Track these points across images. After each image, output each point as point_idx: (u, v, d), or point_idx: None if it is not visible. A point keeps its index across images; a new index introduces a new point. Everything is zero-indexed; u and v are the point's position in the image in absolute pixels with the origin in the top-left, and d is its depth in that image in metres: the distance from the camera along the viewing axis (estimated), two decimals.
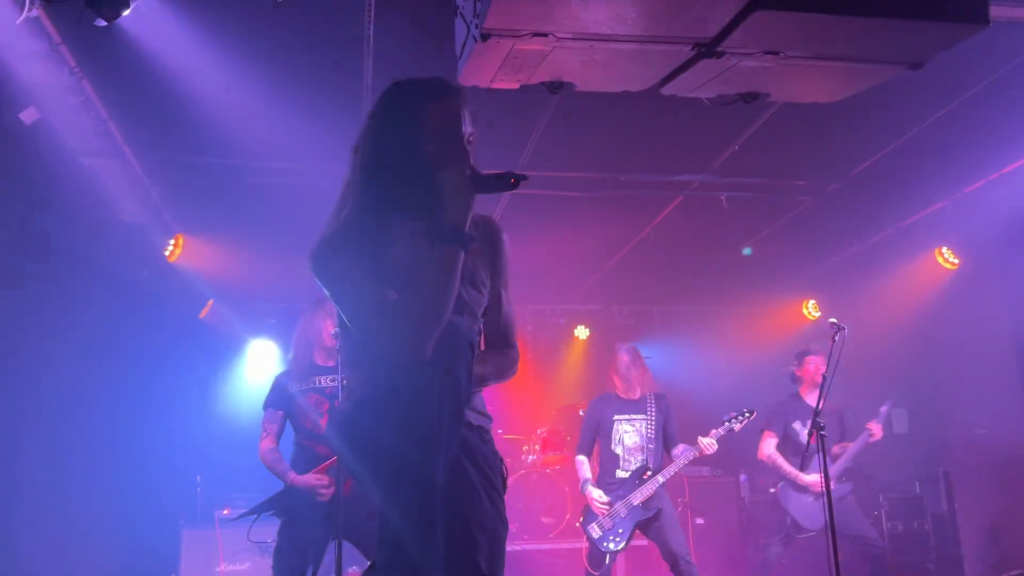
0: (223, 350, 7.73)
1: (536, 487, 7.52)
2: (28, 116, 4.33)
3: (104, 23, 3.34)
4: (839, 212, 6.67)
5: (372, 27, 4.08)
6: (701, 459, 5.41)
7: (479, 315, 2.15)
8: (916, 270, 7.24)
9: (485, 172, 1.92)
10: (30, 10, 3.49)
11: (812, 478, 5.49)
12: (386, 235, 1.98)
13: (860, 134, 5.44)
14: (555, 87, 3.25)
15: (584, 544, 5.54)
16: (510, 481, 4.15)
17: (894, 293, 7.43)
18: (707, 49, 3.00)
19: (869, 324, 6.52)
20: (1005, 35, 4.05)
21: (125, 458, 6.80)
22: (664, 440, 5.49)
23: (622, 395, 5.56)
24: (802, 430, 5.67)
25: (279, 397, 4.45)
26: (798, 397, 5.91)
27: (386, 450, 1.80)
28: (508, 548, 2.09)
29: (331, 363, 4.40)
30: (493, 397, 2.28)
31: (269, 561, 4.21)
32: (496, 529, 2.03)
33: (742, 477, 7.74)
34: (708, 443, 5.25)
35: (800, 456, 5.57)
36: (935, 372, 5.74)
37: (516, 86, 3.25)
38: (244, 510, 4.37)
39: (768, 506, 6.16)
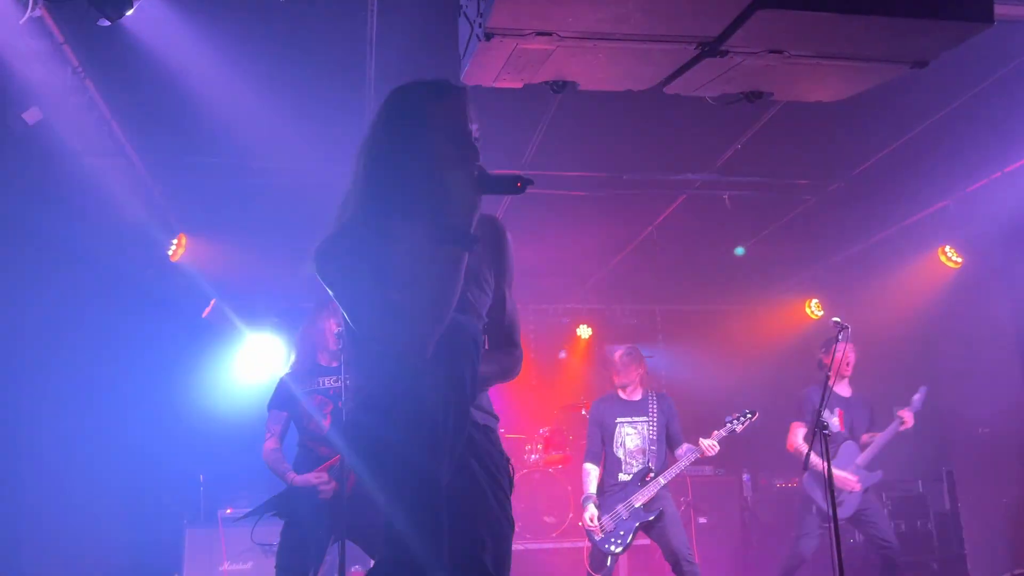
0: (225, 349, 7.72)
1: (539, 486, 7.53)
2: (31, 116, 4.34)
3: (107, 23, 3.34)
4: (842, 211, 6.67)
5: (375, 27, 4.09)
6: (703, 459, 5.41)
7: (483, 315, 2.15)
8: (919, 269, 7.23)
9: (492, 173, 1.92)
10: (33, 10, 3.50)
11: (840, 475, 5.43)
12: (390, 235, 1.97)
13: (863, 133, 5.43)
14: (558, 86, 3.25)
15: (586, 545, 5.54)
16: None
17: (897, 292, 7.42)
18: (710, 48, 3.00)
19: (872, 323, 6.51)
20: (1008, 34, 4.04)
21: (128, 457, 6.80)
22: (667, 440, 5.48)
23: (623, 396, 5.54)
24: (829, 418, 5.67)
25: (283, 398, 4.45)
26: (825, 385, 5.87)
27: (390, 450, 1.80)
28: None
29: (334, 364, 4.40)
30: (495, 397, 2.27)
31: (272, 560, 4.21)
32: (502, 529, 2.03)
33: (745, 476, 7.73)
34: (709, 444, 5.24)
35: (828, 445, 5.57)
36: (938, 371, 5.74)
37: (519, 85, 3.25)
38: (247, 509, 4.37)
39: (797, 497, 6.12)
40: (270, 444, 4.38)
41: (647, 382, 5.65)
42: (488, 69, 3.11)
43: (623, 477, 5.38)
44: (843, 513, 5.49)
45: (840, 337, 4.70)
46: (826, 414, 5.66)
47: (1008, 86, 4.77)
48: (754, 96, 3.38)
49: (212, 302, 7.52)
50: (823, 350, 5.75)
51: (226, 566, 6.15)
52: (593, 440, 5.56)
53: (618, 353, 5.60)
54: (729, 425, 5.38)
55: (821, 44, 3.00)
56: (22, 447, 5.86)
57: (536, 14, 2.77)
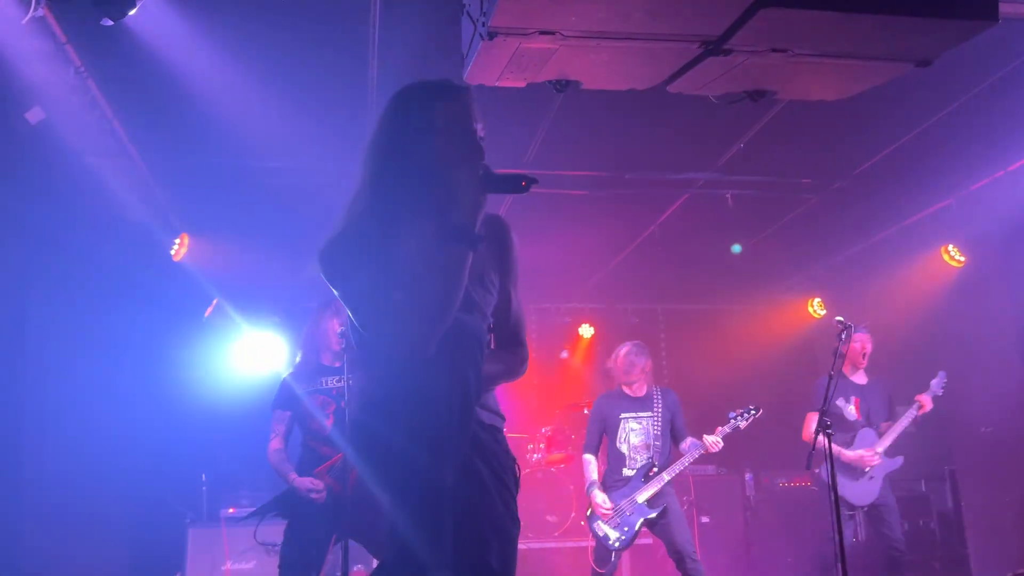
0: (228, 349, 7.72)
1: (541, 485, 7.53)
2: (33, 116, 4.34)
3: (110, 23, 3.34)
4: (844, 210, 6.66)
5: (377, 27, 4.09)
6: (706, 457, 5.42)
7: (488, 314, 2.15)
8: (922, 268, 7.22)
9: (497, 172, 1.92)
10: (36, 9, 3.50)
11: (856, 454, 5.51)
12: (395, 235, 1.97)
13: (865, 132, 5.43)
14: (561, 85, 3.25)
15: (590, 542, 5.54)
16: None
17: (900, 291, 7.42)
18: (714, 47, 2.99)
19: (874, 322, 6.50)
20: (1012, 32, 4.03)
21: (131, 456, 6.81)
22: (672, 435, 5.49)
23: (628, 392, 5.55)
24: (845, 406, 5.70)
25: (286, 398, 4.46)
26: (840, 374, 5.85)
27: (395, 450, 1.79)
28: None
29: (337, 364, 4.40)
30: (498, 396, 2.27)
31: (274, 560, 4.22)
32: (508, 528, 2.03)
33: (747, 475, 7.72)
34: (714, 441, 5.25)
35: (845, 433, 5.61)
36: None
37: (523, 84, 3.25)
38: (250, 509, 4.38)
39: (818, 489, 6.11)
40: (274, 444, 4.40)
41: (652, 378, 5.65)
42: (491, 68, 3.11)
43: (627, 472, 5.38)
44: (863, 500, 5.54)
45: (844, 336, 4.72)
46: (842, 402, 5.70)
47: (1011, 84, 4.76)
48: (757, 95, 3.37)
49: (214, 302, 7.52)
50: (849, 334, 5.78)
51: (229, 565, 6.16)
52: (592, 434, 5.58)
53: (623, 351, 5.59)
54: (733, 421, 5.38)
55: (824, 43, 2.99)
56: (25, 446, 5.87)
57: (539, 13, 2.77)
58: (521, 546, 7.14)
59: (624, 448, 5.43)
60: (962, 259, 6.90)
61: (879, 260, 7.52)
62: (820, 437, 4.56)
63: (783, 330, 9.07)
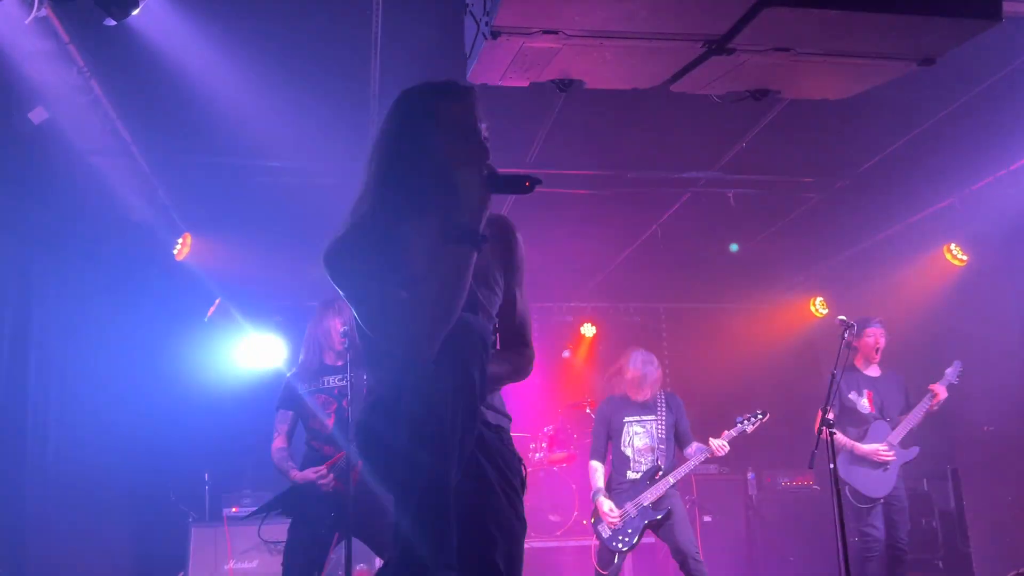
0: (231, 348, 7.73)
1: (543, 485, 7.53)
2: (37, 115, 4.35)
3: (113, 22, 3.34)
4: (847, 209, 6.66)
5: (380, 27, 4.09)
6: (710, 458, 5.41)
7: (493, 314, 2.15)
8: (924, 267, 7.22)
9: (501, 172, 1.92)
10: (39, 9, 3.50)
11: (871, 447, 5.53)
12: (400, 235, 1.98)
13: (868, 131, 5.42)
14: (564, 84, 3.25)
15: (593, 543, 5.54)
16: None
17: (902, 290, 7.41)
18: (717, 46, 2.99)
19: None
20: (1015, 31, 4.03)
21: (134, 455, 6.82)
22: (677, 439, 5.48)
23: (632, 397, 5.53)
24: (858, 400, 5.72)
25: (289, 397, 4.47)
26: (853, 368, 5.83)
27: (399, 451, 1.79)
28: None
29: (339, 363, 4.41)
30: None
31: (277, 559, 4.24)
32: (513, 528, 2.04)
33: (750, 475, 7.72)
34: (719, 444, 5.24)
35: (858, 427, 5.64)
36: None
37: (526, 84, 3.25)
38: (252, 508, 4.39)
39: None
40: (277, 443, 4.42)
41: (658, 383, 5.64)
42: (494, 68, 3.11)
43: (632, 475, 5.38)
44: (878, 492, 5.55)
45: (846, 336, 4.74)
46: (855, 396, 5.71)
47: (1014, 83, 4.75)
48: (760, 94, 3.38)
49: (216, 302, 7.53)
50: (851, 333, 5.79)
51: (232, 564, 6.16)
52: (598, 438, 5.56)
53: (635, 364, 5.51)
54: (740, 425, 5.38)
55: (828, 42, 2.99)
56: (28, 445, 5.87)
57: (543, 12, 2.77)
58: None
59: (628, 451, 5.43)
60: (964, 258, 6.90)
61: (881, 259, 7.51)
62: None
63: (785, 329, 9.06)
